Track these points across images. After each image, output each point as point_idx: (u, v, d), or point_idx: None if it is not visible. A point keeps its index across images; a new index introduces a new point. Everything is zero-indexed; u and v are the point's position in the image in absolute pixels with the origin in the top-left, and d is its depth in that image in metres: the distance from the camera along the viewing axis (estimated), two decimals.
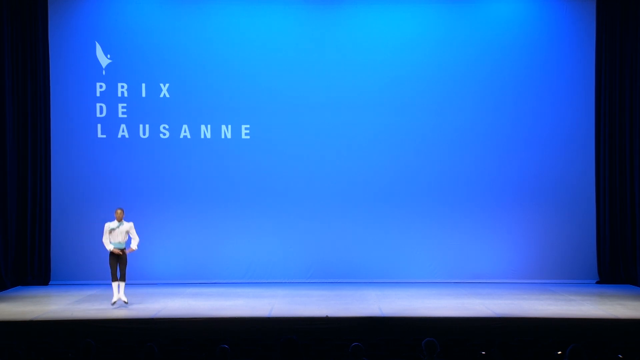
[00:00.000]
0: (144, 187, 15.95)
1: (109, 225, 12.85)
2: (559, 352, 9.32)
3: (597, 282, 15.79)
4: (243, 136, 16.05)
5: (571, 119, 16.05)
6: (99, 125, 15.94)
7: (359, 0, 16.12)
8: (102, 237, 12.88)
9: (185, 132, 16.01)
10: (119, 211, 12.90)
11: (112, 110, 15.95)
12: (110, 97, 15.95)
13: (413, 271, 15.94)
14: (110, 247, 12.76)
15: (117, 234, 12.81)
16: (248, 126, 16.06)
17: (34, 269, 15.69)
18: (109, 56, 15.94)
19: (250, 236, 15.93)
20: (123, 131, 15.96)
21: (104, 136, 15.95)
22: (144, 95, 15.99)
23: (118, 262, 12.80)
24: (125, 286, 12.86)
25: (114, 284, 12.79)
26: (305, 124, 16.05)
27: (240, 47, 16.05)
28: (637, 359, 9.41)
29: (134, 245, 12.89)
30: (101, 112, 15.95)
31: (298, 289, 14.87)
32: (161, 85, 15.99)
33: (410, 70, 16.05)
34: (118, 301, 12.77)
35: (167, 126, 16.02)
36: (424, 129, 16.07)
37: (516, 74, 16.05)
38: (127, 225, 12.90)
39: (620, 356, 9.42)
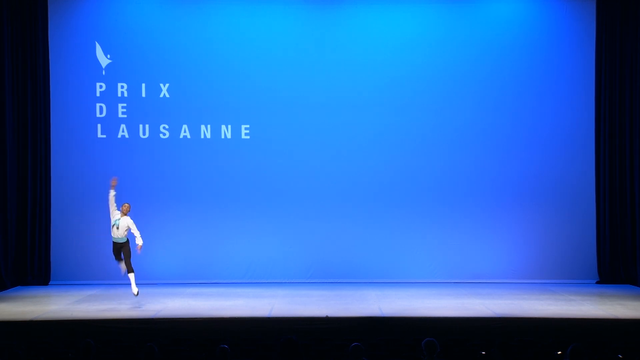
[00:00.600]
0: (144, 187, 15.93)
1: (114, 215, 12.93)
2: (559, 352, 9.32)
3: (597, 282, 15.79)
4: (243, 136, 16.05)
5: (571, 119, 16.05)
6: (99, 125, 15.95)
7: (359, 0, 16.12)
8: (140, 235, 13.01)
9: (185, 132, 16.01)
10: (126, 205, 12.99)
11: (112, 110, 15.96)
12: (110, 97, 15.95)
13: (413, 271, 15.94)
14: (112, 204, 12.97)
15: (120, 227, 12.89)
16: (248, 126, 16.06)
17: (34, 269, 15.69)
18: (109, 56, 15.94)
19: (250, 236, 15.93)
20: (123, 131, 15.96)
21: (104, 136, 15.95)
22: (144, 95, 15.99)
23: (121, 252, 13.03)
24: (134, 277, 13.04)
25: (130, 275, 13.03)
26: (305, 124, 16.05)
27: (240, 47, 16.05)
28: (637, 359, 9.41)
29: (139, 240, 12.91)
30: (101, 112, 15.96)
31: (298, 289, 14.87)
32: (161, 85, 15.99)
33: (410, 70, 16.06)
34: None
35: (167, 126, 16.02)
36: (424, 129, 16.07)
37: (516, 74, 16.05)
38: (127, 221, 12.93)
39: (620, 356, 9.43)
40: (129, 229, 12.99)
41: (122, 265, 13.14)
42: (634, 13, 15.68)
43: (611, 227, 15.85)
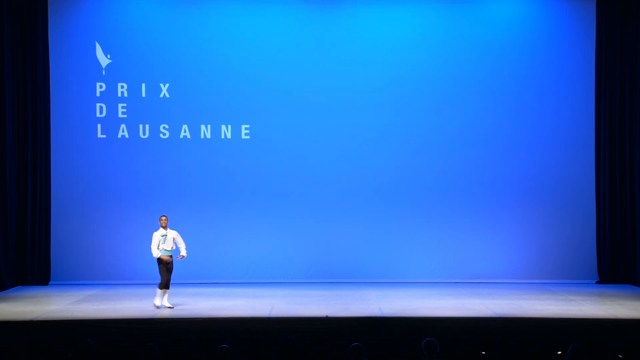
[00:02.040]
0: (144, 187, 15.95)
1: (157, 235, 12.80)
2: (559, 352, 9.32)
3: (597, 282, 15.79)
4: (243, 136, 16.05)
5: (571, 119, 16.06)
6: (99, 125, 15.94)
7: (359, 0, 16.12)
8: (149, 245, 12.87)
9: (185, 132, 16.01)
10: (164, 218, 12.89)
11: (112, 110, 15.95)
12: (110, 97, 15.95)
13: (413, 271, 15.94)
14: (158, 253, 12.74)
15: (167, 241, 12.78)
16: (248, 126, 16.06)
17: (34, 269, 15.69)
18: (109, 56, 15.94)
19: (250, 236, 15.93)
20: (123, 131, 15.96)
21: (104, 136, 15.95)
22: (144, 95, 15.99)
23: (167, 269, 12.78)
24: (167, 292, 12.80)
25: (160, 291, 12.73)
26: (305, 124, 16.05)
27: (240, 47, 16.05)
28: (637, 359, 9.42)
29: (183, 252, 12.85)
30: (101, 112, 15.95)
31: (298, 289, 14.87)
32: (161, 85, 15.99)
33: (410, 70, 16.06)
34: (161, 306, 12.69)
35: (167, 126, 16.02)
36: (424, 129, 16.07)
37: (516, 74, 16.05)
38: (173, 233, 12.87)
39: (620, 356, 9.43)
40: (175, 243, 12.90)
41: (160, 299, 12.75)
42: (634, 13, 15.68)
43: (611, 227, 15.85)
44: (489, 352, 9.43)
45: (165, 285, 12.75)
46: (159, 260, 12.79)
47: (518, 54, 16.06)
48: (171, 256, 12.86)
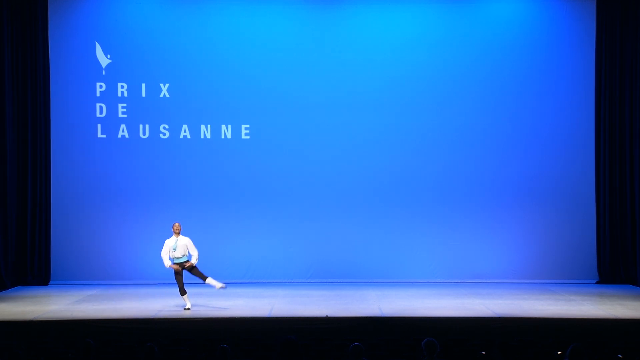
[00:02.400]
0: (144, 187, 15.95)
1: (168, 243, 12.66)
2: (559, 352, 9.32)
3: (597, 282, 15.79)
4: (243, 136, 16.06)
5: (571, 119, 16.06)
6: (99, 125, 15.94)
7: (359, 0, 16.12)
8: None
9: (185, 132, 16.01)
10: (176, 225, 12.69)
11: (112, 110, 15.95)
12: (110, 97, 15.95)
13: (413, 271, 15.94)
14: (168, 263, 12.66)
15: (178, 249, 12.64)
16: (248, 126, 16.07)
17: (34, 269, 15.69)
18: (109, 56, 15.94)
19: (250, 236, 15.93)
20: (123, 131, 15.96)
21: (104, 136, 15.95)
22: (144, 95, 15.99)
23: (188, 273, 12.67)
24: (211, 278, 12.73)
25: (184, 297, 12.65)
26: (305, 124, 16.05)
27: (240, 47, 16.05)
28: (637, 359, 9.42)
29: (194, 260, 12.68)
30: (101, 112, 15.95)
31: (298, 289, 14.87)
32: (161, 85, 15.99)
33: (410, 70, 16.06)
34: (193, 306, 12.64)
35: (167, 126, 16.02)
36: (424, 129, 16.07)
37: (516, 74, 16.05)
38: (185, 240, 12.70)
39: (620, 356, 9.43)
40: (188, 250, 12.71)
41: (188, 302, 12.67)
42: (634, 13, 15.68)
43: (611, 227, 15.85)
44: (489, 352, 9.43)
45: (184, 291, 12.64)
46: (173, 269, 12.70)
47: (518, 54, 16.06)
48: (187, 261, 12.65)
